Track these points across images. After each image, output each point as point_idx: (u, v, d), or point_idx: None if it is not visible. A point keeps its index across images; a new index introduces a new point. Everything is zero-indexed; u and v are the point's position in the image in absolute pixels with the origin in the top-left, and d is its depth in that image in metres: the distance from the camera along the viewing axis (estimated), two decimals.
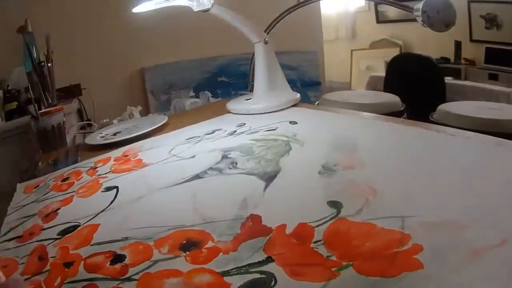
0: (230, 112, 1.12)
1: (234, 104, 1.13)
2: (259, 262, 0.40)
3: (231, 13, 1.07)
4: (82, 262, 0.48)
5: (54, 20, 2.20)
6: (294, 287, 0.36)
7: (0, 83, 2.02)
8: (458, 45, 3.49)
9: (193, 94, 2.21)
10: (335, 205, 0.49)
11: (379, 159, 0.62)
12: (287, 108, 1.04)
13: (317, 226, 0.45)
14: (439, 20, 0.79)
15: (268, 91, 1.09)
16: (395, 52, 4.05)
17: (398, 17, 4.22)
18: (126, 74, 2.58)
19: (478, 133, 0.65)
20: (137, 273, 0.43)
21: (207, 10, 1.03)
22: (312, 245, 0.42)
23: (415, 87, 2.48)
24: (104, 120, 1.51)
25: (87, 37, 2.30)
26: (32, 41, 2.00)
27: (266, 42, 1.09)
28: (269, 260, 0.40)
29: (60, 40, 2.02)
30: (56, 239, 0.55)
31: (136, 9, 1.08)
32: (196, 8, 1.03)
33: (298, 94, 1.10)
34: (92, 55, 2.31)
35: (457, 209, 0.43)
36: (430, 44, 3.51)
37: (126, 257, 0.46)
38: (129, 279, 0.42)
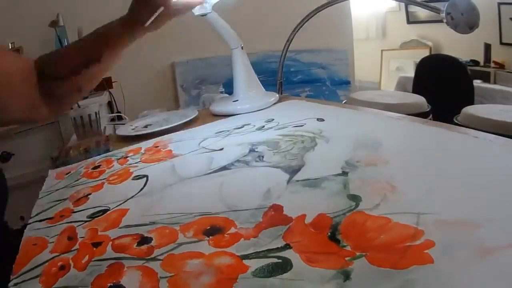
0: (214, 115, 1.16)
1: (219, 106, 1.19)
2: (277, 248, 0.42)
3: (221, 20, 1.13)
4: (110, 242, 0.50)
5: (85, 14, 2.25)
6: (308, 272, 0.38)
7: None
8: (487, 47, 3.42)
9: (223, 89, 2.24)
10: (355, 198, 0.50)
11: (401, 157, 0.63)
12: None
13: (335, 217, 0.46)
14: (463, 22, 0.79)
15: (247, 92, 1.18)
16: (425, 53, 4.00)
17: (428, 18, 4.17)
18: (157, 68, 2.62)
19: (500, 136, 0.65)
20: (161, 254, 0.45)
21: (205, 15, 1.07)
22: (328, 234, 0.43)
23: (443, 89, 2.45)
24: (145, 111, 1.55)
25: None
26: (64, 35, 2.06)
27: (242, 48, 1.17)
28: (287, 247, 0.42)
29: None
30: (85, 221, 0.58)
31: None
32: (197, 12, 1.06)
33: (277, 94, 1.21)
34: None
35: (474, 209, 0.44)
36: (460, 46, 3.45)
37: (152, 239, 0.49)
38: (153, 259, 0.45)
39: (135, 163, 0.82)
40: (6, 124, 0.84)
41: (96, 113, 1.26)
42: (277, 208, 0.51)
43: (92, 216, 0.59)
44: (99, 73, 0.86)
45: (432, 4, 0.96)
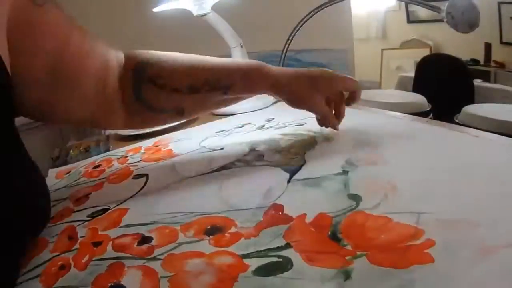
0: (214, 114, 1.15)
1: None
2: (278, 247, 0.42)
3: (221, 20, 1.12)
4: (110, 242, 0.50)
5: (85, 13, 2.25)
6: (309, 272, 0.38)
7: None
8: (487, 47, 3.42)
9: None
10: (355, 198, 0.50)
11: (402, 157, 0.62)
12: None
13: (336, 216, 0.46)
14: (463, 22, 0.79)
15: None
16: (425, 52, 4.00)
17: (429, 17, 4.16)
18: None
19: (501, 136, 0.65)
20: (162, 254, 0.45)
21: (204, 15, 1.06)
22: (328, 234, 0.43)
23: (444, 89, 2.45)
24: None
25: (112, 34, 2.34)
26: None
27: (241, 47, 1.16)
28: (287, 246, 0.42)
29: None
30: (86, 221, 0.58)
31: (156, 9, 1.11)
32: (196, 12, 1.06)
33: None
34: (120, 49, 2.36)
35: (474, 208, 0.44)
36: (460, 45, 3.45)
37: (152, 239, 0.49)
38: (154, 258, 0.44)
39: (135, 162, 0.82)
40: (64, 122, 0.70)
41: None
42: (278, 208, 0.51)
43: (92, 216, 0.59)
44: (213, 104, 0.75)
45: (433, 3, 0.96)
